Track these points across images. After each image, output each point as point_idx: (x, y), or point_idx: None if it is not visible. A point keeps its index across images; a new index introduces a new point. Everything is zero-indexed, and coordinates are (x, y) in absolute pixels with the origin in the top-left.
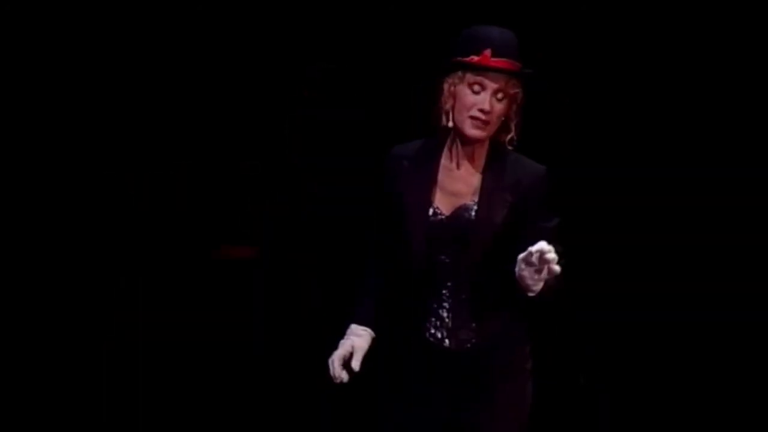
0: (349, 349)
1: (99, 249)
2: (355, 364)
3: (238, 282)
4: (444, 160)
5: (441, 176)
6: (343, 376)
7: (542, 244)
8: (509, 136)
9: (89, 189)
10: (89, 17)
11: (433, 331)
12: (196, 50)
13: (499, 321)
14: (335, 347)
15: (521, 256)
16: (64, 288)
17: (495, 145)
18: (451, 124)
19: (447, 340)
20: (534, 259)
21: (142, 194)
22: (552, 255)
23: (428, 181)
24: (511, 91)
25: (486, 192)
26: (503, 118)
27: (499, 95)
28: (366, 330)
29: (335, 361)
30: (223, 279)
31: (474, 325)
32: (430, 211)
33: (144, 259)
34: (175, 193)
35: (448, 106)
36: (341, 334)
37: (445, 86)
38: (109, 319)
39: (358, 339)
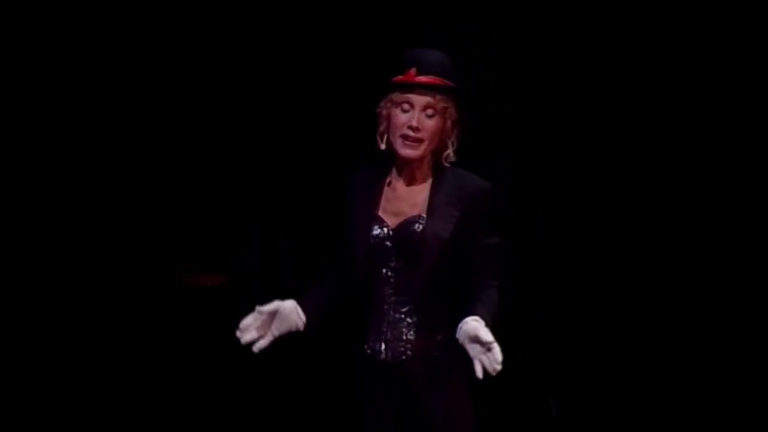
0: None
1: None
2: (264, 308)
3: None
4: (389, 180)
5: (386, 194)
6: (253, 326)
7: (495, 352)
8: (445, 153)
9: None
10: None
11: (371, 343)
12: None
13: (436, 335)
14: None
15: (469, 332)
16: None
17: (437, 162)
18: (384, 146)
19: (383, 353)
20: (483, 348)
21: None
22: (499, 358)
23: (373, 200)
24: (440, 106)
25: (432, 207)
26: (438, 137)
27: (429, 111)
28: (292, 301)
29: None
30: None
31: (411, 338)
32: (375, 227)
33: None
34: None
35: (382, 128)
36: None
37: (379, 111)
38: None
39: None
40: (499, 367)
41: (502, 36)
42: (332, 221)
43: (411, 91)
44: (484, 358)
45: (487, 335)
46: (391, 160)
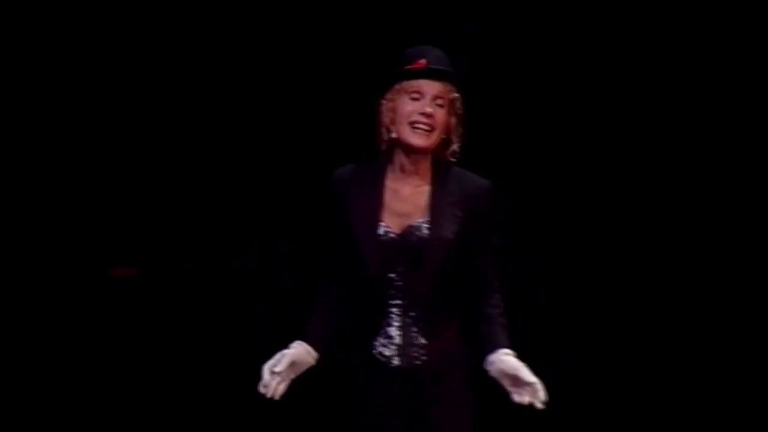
0: (279, 358)
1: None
2: (279, 367)
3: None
4: (389, 182)
5: (387, 197)
6: (272, 383)
7: (540, 391)
8: (451, 149)
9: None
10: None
11: (381, 349)
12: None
13: (447, 339)
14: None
15: (506, 370)
16: None
17: (438, 160)
18: (394, 135)
19: (396, 359)
20: (525, 386)
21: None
22: (544, 396)
23: (376, 203)
24: (450, 97)
25: (435, 209)
26: (445, 131)
27: (439, 101)
28: (301, 344)
29: (264, 370)
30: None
31: (423, 342)
32: (381, 231)
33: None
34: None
35: (387, 120)
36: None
37: (384, 103)
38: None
39: (289, 350)
40: (543, 405)
41: (502, 36)
42: (321, 221)
43: (421, 81)
44: (525, 395)
45: (528, 376)
46: (387, 156)
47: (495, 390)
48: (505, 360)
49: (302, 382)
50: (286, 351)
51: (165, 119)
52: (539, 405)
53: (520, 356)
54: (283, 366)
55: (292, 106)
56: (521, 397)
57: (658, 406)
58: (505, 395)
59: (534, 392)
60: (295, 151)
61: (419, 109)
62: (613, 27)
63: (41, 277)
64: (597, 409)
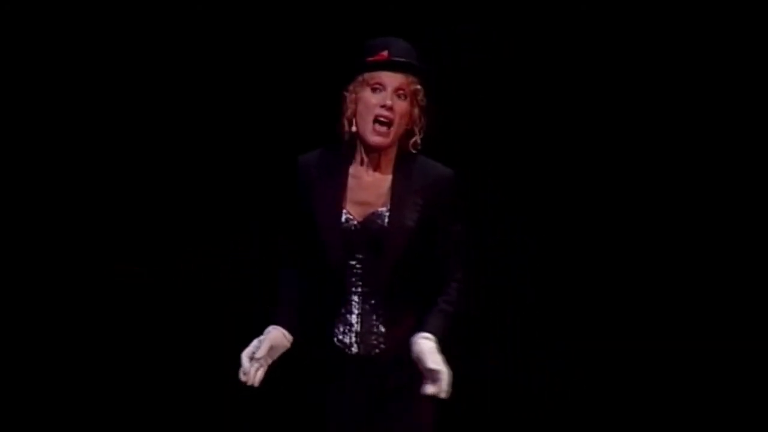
0: (257, 344)
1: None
2: (259, 353)
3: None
4: (352, 169)
5: (351, 184)
6: (252, 370)
7: (442, 381)
8: (413, 140)
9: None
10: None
11: (341, 336)
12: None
13: (407, 327)
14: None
15: (417, 353)
16: None
17: (402, 150)
18: (354, 128)
19: (355, 346)
20: (429, 376)
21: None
22: (445, 386)
23: (338, 191)
24: (411, 89)
25: (396, 197)
26: (408, 122)
27: (400, 92)
28: (276, 328)
29: (243, 357)
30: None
31: (383, 330)
32: (343, 218)
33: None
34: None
35: (350, 112)
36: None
37: (347, 95)
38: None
39: (266, 335)
40: (446, 395)
41: (502, 36)
42: (282, 206)
43: (383, 73)
44: (428, 383)
45: (431, 362)
46: (350, 145)
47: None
48: (420, 343)
49: (302, 381)
50: (262, 337)
51: (165, 119)
52: (441, 395)
53: (510, 353)
54: (263, 351)
55: (292, 106)
56: (429, 390)
57: (648, 404)
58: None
59: (435, 380)
60: (296, 151)
61: (380, 102)
62: (613, 27)
63: (40, 277)
64: (587, 407)
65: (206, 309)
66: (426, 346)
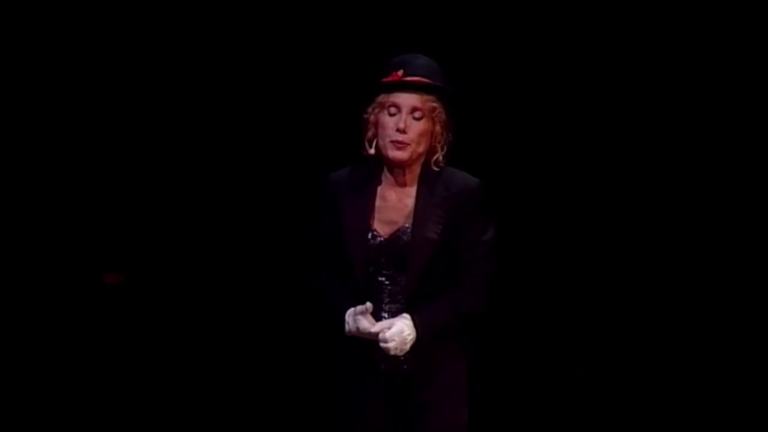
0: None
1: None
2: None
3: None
4: (379, 188)
5: (378, 203)
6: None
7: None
8: (435, 157)
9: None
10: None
11: (369, 352)
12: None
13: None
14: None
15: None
16: None
17: (427, 166)
18: (372, 151)
19: (383, 362)
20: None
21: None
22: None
23: (366, 208)
24: (428, 107)
25: (419, 211)
26: (428, 140)
27: (416, 114)
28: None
29: (350, 315)
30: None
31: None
32: (369, 236)
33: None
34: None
35: (370, 134)
36: None
37: (366, 117)
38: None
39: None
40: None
41: (502, 36)
42: (314, 221)
43: (397, 93)
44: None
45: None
46: (376, 163)
47: (490, 388)
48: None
49: (302, 382)
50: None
51: (164, 119)
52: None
53: (507, 356)
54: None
55: (292, 106)
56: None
57: (643, 404)
58: (501, 393)
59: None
60: (295, 152)
61: (395, 125)
62: (613, 27)
63: (35, 281)
64: (584, 408)
65: (205, 309)
66: (386, 322)
